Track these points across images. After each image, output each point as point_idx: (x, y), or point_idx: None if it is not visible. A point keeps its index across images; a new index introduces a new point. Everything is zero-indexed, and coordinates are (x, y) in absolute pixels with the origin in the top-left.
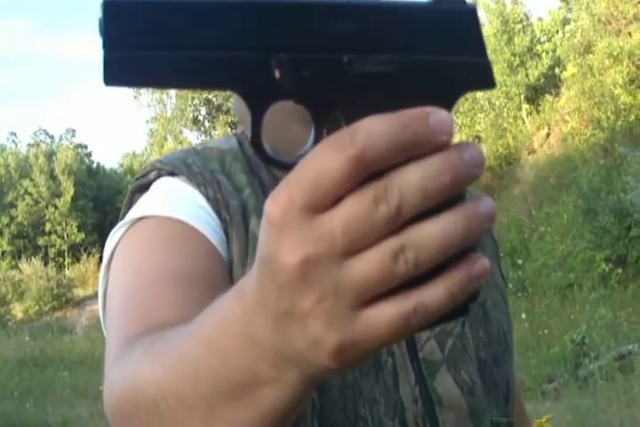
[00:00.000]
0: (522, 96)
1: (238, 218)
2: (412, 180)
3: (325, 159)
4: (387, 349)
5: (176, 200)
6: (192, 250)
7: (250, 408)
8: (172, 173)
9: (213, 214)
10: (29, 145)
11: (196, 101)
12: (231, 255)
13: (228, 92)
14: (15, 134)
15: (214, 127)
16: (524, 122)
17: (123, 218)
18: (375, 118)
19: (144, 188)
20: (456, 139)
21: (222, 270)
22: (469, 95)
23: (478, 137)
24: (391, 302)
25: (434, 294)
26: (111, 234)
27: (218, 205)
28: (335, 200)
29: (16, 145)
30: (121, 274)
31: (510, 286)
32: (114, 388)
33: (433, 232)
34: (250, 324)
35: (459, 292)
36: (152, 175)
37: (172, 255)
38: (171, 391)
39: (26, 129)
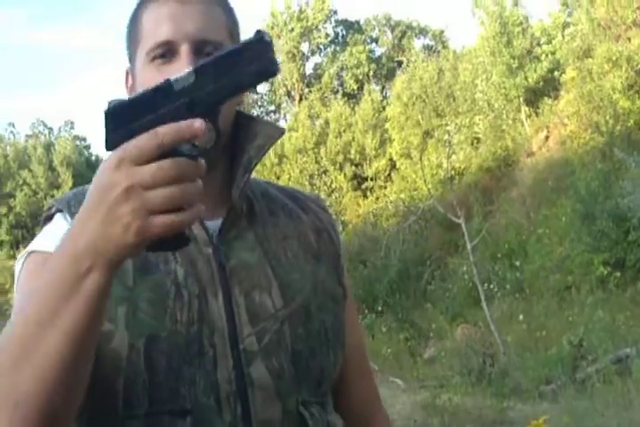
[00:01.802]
0: (521, 98)
1: None
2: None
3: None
4: (209, 342)
5: (56, 236)
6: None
7: (81, 300)
8: (60, 211)
9: None
10: (28, 136)
11: None
12: None
13: None
14: (13, 125)
15: None
16: (522, 124)
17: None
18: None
19: (49, 218)
20: (455, 140)
21: None
22: (468, 96)
23: (477, 138)
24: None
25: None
26: (18, 258)
27: None
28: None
29: (14, 136)
30: (15, 302)
31: (508, 287)
32: None
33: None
34: (74, 240)
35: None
36: (53, 210)
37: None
38: (24, 324)
39: (24, 120)
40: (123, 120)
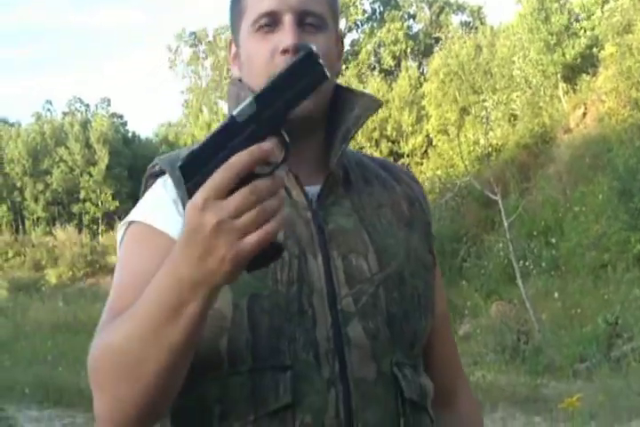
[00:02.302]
0: (559, 75)
1: None
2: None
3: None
4: (308, 301)
5: (155, 207)
6: (157, 252)
7: (181, 324)
8: (163, 172)
9: (180, 212)
10: (65, 113)
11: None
12: None
13: None
14: (51, 102)
15: None
16: (560, 101)
17: (141, 196)
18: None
19: (152, 175)
20: (493, 116)
21: None
22: (505, 73)
23: (514, 115)
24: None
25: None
26: (120, 226)
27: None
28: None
29: (51, 113)
30: (117, 269)
31: (543, 264)
32: (92, 352)
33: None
34: (176, 269)
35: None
36: (157, 168)
37: (143, 259)
38: (128, 337)
39: (61, 97)
40: (197, 166)
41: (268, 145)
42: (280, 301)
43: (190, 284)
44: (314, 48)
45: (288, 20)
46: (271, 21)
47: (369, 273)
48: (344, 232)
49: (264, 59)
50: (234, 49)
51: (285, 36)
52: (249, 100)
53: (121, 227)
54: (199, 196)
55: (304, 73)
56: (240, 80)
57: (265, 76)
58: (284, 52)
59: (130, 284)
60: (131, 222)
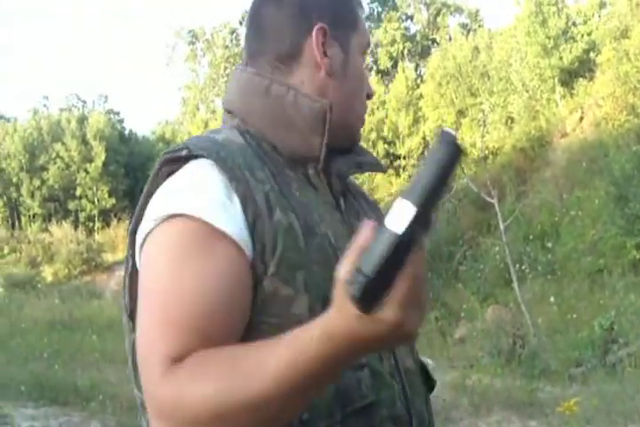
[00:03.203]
0: (556, 79)
1: (265, 212)
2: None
3: None
4: None
5: (207, 196)
6: (220, 263)
7: (325, 386)
8: (203, 157)
9: (240, 210)
10: (61, 109)
11: (228, 71)
12: (262, 243)
13: None
14: (47, 98)
15: None
16: (557, 105)
17: (151, 186)
18: None
19: (173, 161)
20: (490, 119)
21: (244, 273)
22: (503, 75)
23: (511, 118)
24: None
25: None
26: (155, 218)
27: (246, 200)
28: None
29: (48, 109)
30: (160, 279)
31: (539, 268)
32: (192, 399)
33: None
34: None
35: None
36: (184, 152)
37: (205, 271)
38: (264, 397)
39: (58, 93)
40: (379, 292)
41: (423, 239)
42: None
43: (361, 355)
44: (454, 133)
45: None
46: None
47: None
48: None
49: (362, 91)
50: (324, 38)
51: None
52: (412, 212)
53: (158, 220)
54: (396, 315)
55: (453, 161)
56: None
57: (359, 111)
58: (369, 97)
59: (214, 304)
60: (177, 216)
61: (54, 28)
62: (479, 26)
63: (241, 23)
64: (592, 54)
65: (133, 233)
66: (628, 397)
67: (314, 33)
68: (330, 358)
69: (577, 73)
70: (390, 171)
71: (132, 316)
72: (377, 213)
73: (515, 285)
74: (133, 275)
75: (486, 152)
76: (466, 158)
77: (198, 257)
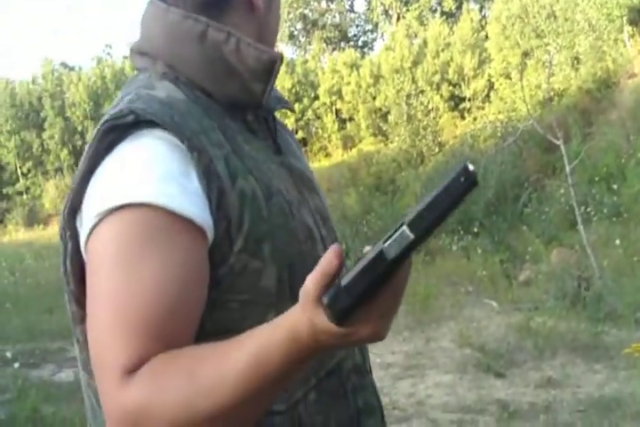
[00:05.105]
0: (624, 18)
1: (228, 183)
2: None
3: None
4: (321, 254)
5: (157, 177)
6: (182, 254)
7: (292, 377)
8: (155, 125)
9: (200, 187)
10: (125, 57)
11: (292, 16)
12: (228, 218)
13: (324, 8)
14: (110, 46)
15: (309, 42)
16: (625, 45)
17: (91, 161)
18: None
19: (117, 129)
20: (555, 61)
21: (203, 262)
22: (569, 15)
23: (577, 59)
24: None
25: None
26: (100, 211)
27: (208, 174)
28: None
29: (111, 57)
30: (111, 279)
31: (605, 210)
32: (150, 410)
33: None
34: (305, 356)
35: None
36: (130, 118)
37: (161, 267)
38: (222, 405)
39: (121, 41)
40: (356, 308)
41: (411, 261)
42: (308, 262)
43: (320, 349)
44: (474, 170)
45: None
46: None
47: (326, 213)
48: (301, 173)
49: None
50: None
51: None
52: (408, 241)
53: (103, 213)
54: (372, 329)
55: (465, 196)
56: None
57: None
58: None
59: (172, 303)
60: (123, 207)
61: None
62: None
63: None
64: None
65: (71, 212)
66: None
67: None
68: (295, 361)
69: None
70: (455, 113)
71: (79, 302)
72: (294, 139)
73: (580, 227)
74: (74, 258)
75: (552, 94)
76: (531, 100)
77: (154, 251)
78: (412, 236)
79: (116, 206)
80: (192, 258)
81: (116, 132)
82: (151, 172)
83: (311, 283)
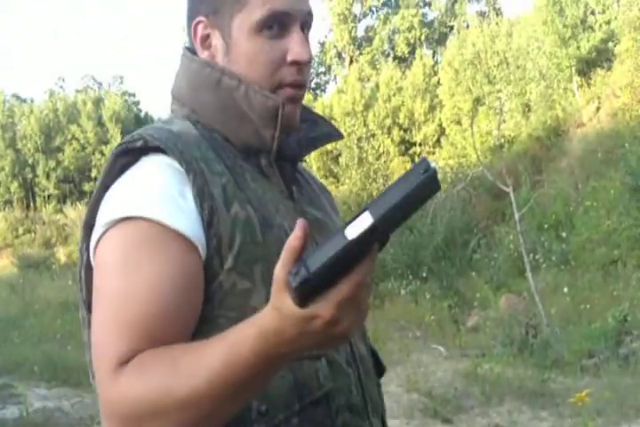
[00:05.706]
0: (573, 68)
1: (222, 205)
2: None
3: None
4: None
5: (158, 195)
6: (171, 264)
7: (269, 379)
8: (160, 151)
9: (194, 206)
10: (77, 91)
11: None
12: (219, 237)
13: None
14: (63, 79)
15: None
16: (574, 94)
17: (106, 179)
18: None
19: (128, 152)
20: (506, 107)
21: (196, 272)
22: (521, 63)
23: (528, 106)
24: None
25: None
26: (106, 222)
27: (202, 195)
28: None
29: (64, 90)
30: (112, 281)
31: (553, 258)
32: (134, 396)
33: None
34: (278, 357)
35: None
36: (139, 143)
37: (156, 273)
38: (198, 394)
39: (74, 75)
40: (318, 288)
41: (375, 251)
42: None
43: (287, 344)
44: (434, 166)
45: (297, 27)
46: (279, 24)
47: None
48: (319, 222)
49: (272, 65)
50: (204, 31)
51: (299, 48)
52: (368, 223)
53: (109, 224)
54: (332, 313)
55: (425, 191)
56: (214, 66)
57: (269, 81)
58: (295, 63)
59: (164, 305)
60: (127, 219)
61: (69, 9)
62: (497, 14)
63: None
64: (610, 44)
65: (88, 226)
66: None
67: (192, 29)
68: (263, 356)
69: (594, 63)
70: (405, 157)
71: (89, 308)
72: (327, 195)
73: (528, 274)
74: (88, 268)
75: (502, 140)
76: (482, 146)
77: (149, 258)
78: (371, 219)
79: (119, 218)
80: (184, 266)
81: (128, 156)
82: (152, 192)
83: (279, 265)
